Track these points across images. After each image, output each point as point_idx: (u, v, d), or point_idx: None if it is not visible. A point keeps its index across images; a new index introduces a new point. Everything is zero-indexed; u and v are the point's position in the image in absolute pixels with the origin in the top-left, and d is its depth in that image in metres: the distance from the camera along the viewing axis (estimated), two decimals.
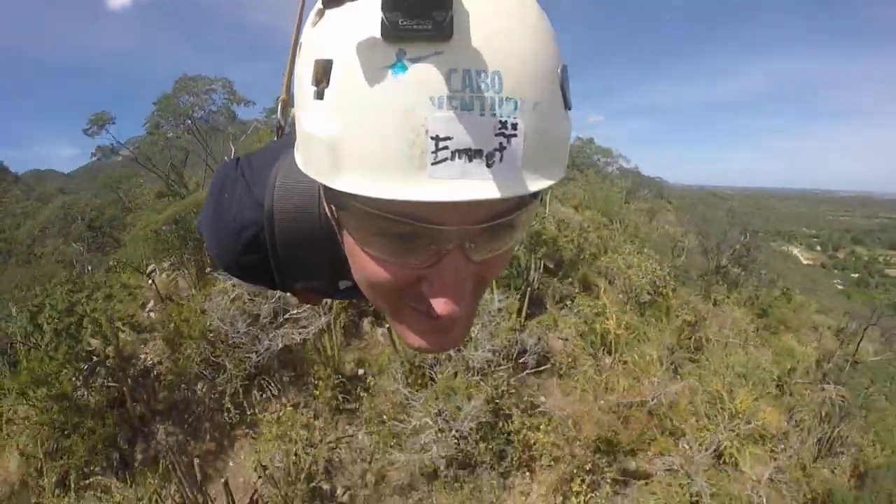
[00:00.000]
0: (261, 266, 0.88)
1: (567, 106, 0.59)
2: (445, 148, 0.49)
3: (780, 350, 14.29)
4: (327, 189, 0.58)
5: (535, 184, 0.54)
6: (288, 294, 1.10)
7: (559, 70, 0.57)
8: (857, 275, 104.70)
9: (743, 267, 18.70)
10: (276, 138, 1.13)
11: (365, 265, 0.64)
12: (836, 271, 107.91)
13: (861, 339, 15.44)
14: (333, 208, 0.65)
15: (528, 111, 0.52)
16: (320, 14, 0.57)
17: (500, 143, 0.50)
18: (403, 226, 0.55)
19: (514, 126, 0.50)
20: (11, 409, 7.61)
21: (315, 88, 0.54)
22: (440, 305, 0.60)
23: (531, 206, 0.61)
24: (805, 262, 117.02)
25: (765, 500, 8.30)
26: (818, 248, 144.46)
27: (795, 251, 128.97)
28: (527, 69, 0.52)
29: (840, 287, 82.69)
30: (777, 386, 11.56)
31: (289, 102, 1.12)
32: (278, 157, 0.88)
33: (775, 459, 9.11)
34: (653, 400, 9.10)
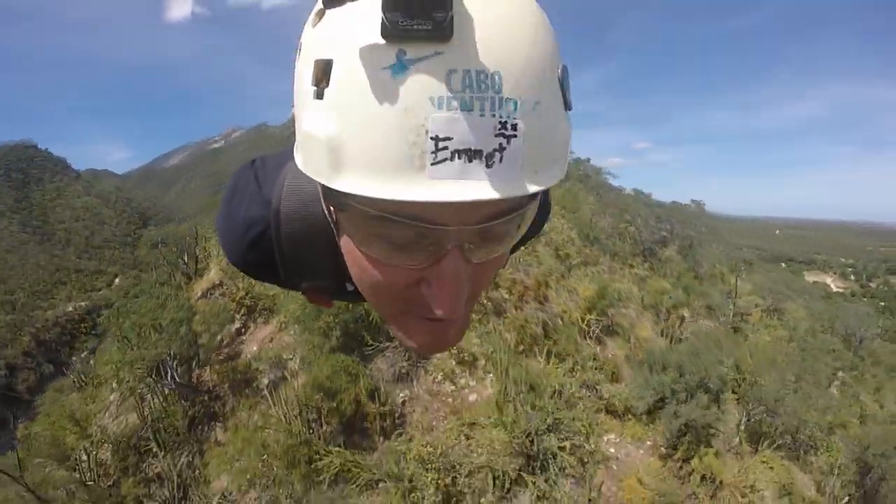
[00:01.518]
0: (267, 262, 0.93)
1: (567, 106, 0.60)
2: (445, 148, 0.50)
3: None
4: (327, 189, 0.60)
5: (535, 184, 0.56)
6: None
7: (559, 70, 0.58)
8: (883, 303, 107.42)
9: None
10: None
11: (363, 266, 0.65)
12: (864, 299, 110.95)
13: None
14: (332, 208, 0.67)
15: (528, 112, 0.52)
16: (320, 14, 0.59)
17: (500, 144, 0.51)
18: (403, 226, 0.56)
19: (514, 126, 0.51)
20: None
21: (315, 88, 0.55)
22: (440, 306, 0.62)
23: (531, 207, 0.63)
24: (835, 289, 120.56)
25: None
26: (852, 276, 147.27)
27: (829, 279, 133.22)
28: (527, 69, 0.53)
29: (863, 309, 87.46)
30: None
31: None
32: (291, 157, 0.89)
33: None
34: None
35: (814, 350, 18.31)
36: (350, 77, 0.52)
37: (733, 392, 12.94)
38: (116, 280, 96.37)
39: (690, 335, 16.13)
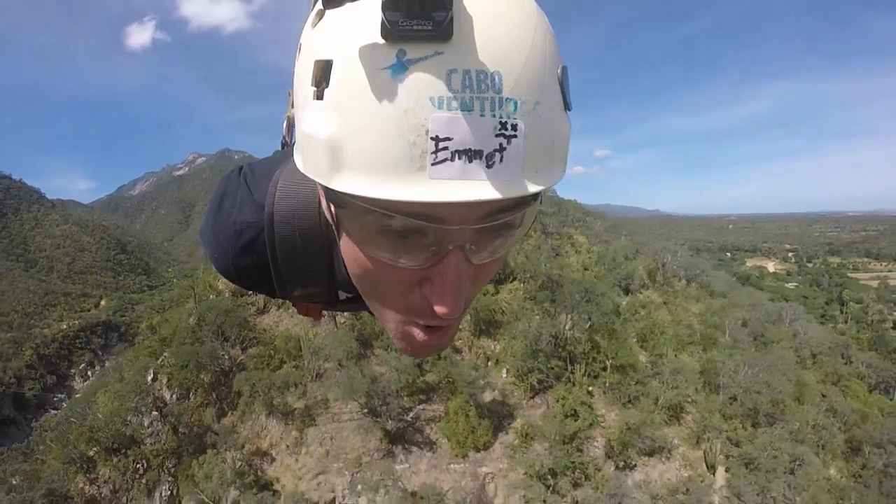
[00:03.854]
0: (259, 269, 0.93)
1: (567, 106, 0.62)
2: (445, 148, 0.51)
3: None
4: (327, 189, 0.60)
5: (536, 184, 0.57)
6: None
7: (559, 70, 0.60)
8: (811, 276, 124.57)
9: None
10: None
11: (364, 265, 0.67)
12: (800, 277, 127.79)
13: None
14: (333, 208, 0.67)
15: (528, 112, 0.54)
16: (320, 15, 0.60)
17: (501, 144, 0.52)
18: (404, 226, 0.58)
19: (514, 127, 0.53)
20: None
21: (315, 89, 0.56)
22: (442, 305, 0.64)
23: (531, 207, 0.64)
24: (773, 270, 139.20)
25: None
26: (793, 259, 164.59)
27: (770, 264, 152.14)
28: (527, 70, 0.54)
29: (790, 287, 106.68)
30: None
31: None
32: (281, 162, 0.94)
33: None
34: None
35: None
36: (350, 77, 0.53)
37: None
38: (102, 302, 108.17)
39: None
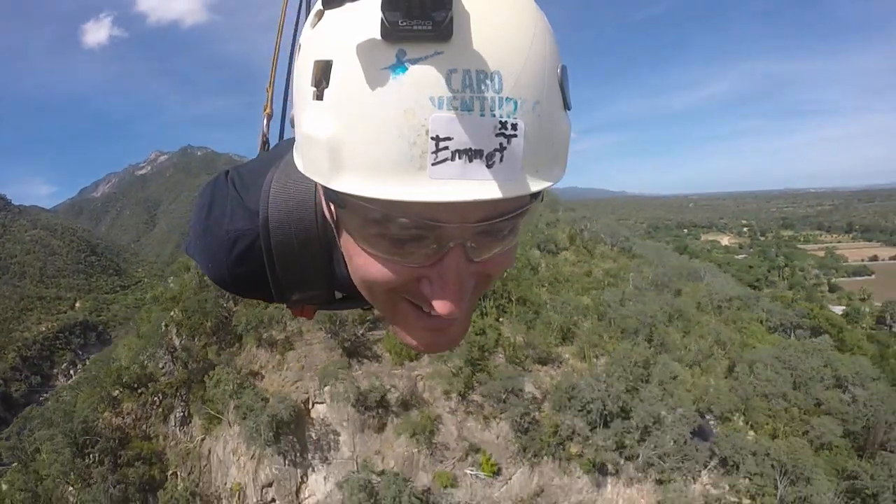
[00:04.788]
0: (256, 276, 0.92)
1: (567, 106, 0.63)
2: (446, 148, 0.52)
3: None
4: (327, 189, 0.62)
5: (536, 184, 0.58)
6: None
7: (558, 70, 0.61)
8: (761, 248, 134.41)
9: None
10: (262, 151, 1.23)
11: (365, 265, 0.67)
12: (751, 249, 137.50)
13: None
14: (333, 208, 0.69)
15: (528, 111, 0.55)
16: (320, 15, 0.61)
17: (501, 144, 0.53)
18: (404, 226, 0.59)
19: (514, 126, 0.54)
20: None
21: (315, 89, 0.58)
22: (441, 305, 0.65)
23: (532, 207, 0.65)
24: (726, 244, 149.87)
25: None
26: (746, 233, 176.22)
27: (725, 238, 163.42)
28: (526, 69, 0.55)
29: (738, 258, 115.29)
30: None
31: (272, 115, 1.28)
32: (271, 164, 0.92)
33: None
34: None
35: None
36: (350, 77, 0.54)
37: None
38: (77, 304, 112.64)
39: None
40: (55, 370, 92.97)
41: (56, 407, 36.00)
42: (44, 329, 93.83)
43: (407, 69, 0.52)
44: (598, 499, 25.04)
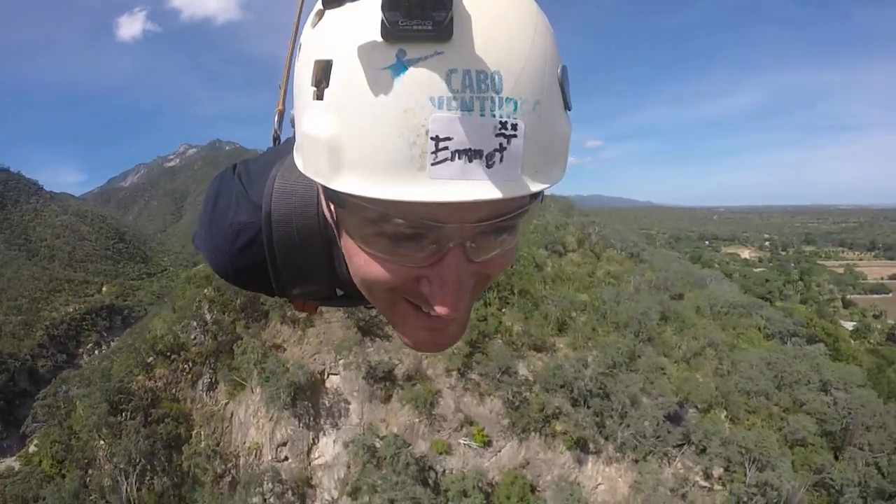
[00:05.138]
0: (257, 270, 0.94)
1: (567, 106, 0.63)
2: (445, 148, 0.52)
3: None
4: (327, 189, 0.62)
5: (535, 184, 0.59)
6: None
7: (559, 70, 0.61)
8: (780, 262, 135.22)
9: None
10: (273, 147, 1.23)
11: (364, 264, 0.68)
12: (770, 263, 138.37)
13: None
14: (333, 207, 0.69)
15: (527, 112, 0.55)
16: (320, 15, 0.61)
17: (500, 144, 0.54)
18: (404, 226, 0.59)
19: (514, 126, 0.54)
20: None
21: (315, 89, 0.58)
22: (440, 305, 0.65)
23: (531, 207, 0.65)
24: (746, 257, 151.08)
25: None
26: (768, 247, 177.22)
27: (745, 251, 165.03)
28: (526, 70, 0.55)
29: (756, 271, 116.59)
30: None
31: (284, 111, 1.30)
32: (277, 160, 0.94)
33: None
34: None
35: None
36: (350, 77, 0.55)
37: None
38: (104, 288, 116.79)
39: None
40: (80, 350, 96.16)
41: (93, 368, 39.73)
42: (71, 310, 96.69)
43: (407, 69, 0.52)
44: (580, 475, 27.84)
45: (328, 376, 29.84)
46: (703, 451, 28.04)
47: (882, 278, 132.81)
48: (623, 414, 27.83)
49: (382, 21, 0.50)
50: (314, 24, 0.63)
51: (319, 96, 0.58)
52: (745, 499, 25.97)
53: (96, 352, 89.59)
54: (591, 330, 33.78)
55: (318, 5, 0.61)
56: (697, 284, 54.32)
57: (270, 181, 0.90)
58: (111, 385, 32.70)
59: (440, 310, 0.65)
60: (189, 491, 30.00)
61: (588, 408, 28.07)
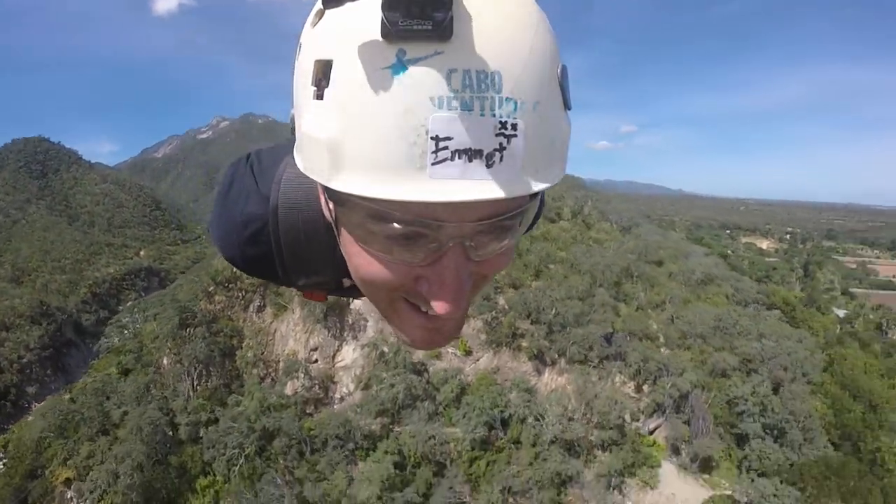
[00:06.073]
0: (265, 259, 0.97)
1: (567, 106, 0.64)
2: (445, 148, 0.53)
3: None
4: (327, 188, 0.63)
5: (535, 184, 0.59)
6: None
7: (559, 70, 0.62)
8: (794, 255, 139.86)
9: None
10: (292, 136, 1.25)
11: (363, 263, 0.69)
12: (785, 255, 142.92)
13: None
14: (333, 206, 0.70)
15: (528, 111, 0.56)
16: (320, 14, 0.62)
17: (501, 144, 0.54)
18: (403, 225, 0.60)
19: (514, 126, 0.55)
20: None
21: (315, 89, 0.59)
22: (439, 305, 0.66)
23: (531, 206, 0.67)
24: (764, 247, 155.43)
25: None
26: (788, 240, 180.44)
27: (765, 242, 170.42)
28: (527, 69, 0.56)
29: (769, 260, 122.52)
30: None
31: None
32: (287, 153, 0.93)
33: None
34: None
35: None
36: (350, 77, 0.55)
37: None
38: (142, 252, 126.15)
39: None
40: (121, 307, 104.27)
41: (164, 293, 50.05)
42: (111, 271, 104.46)
43: (407, 69, 0.52)
44: (538, 381, 37.44)
45: (353, 300, 39.79)
46: (638, 371, 37.20)
47: (893, 276, 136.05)
48: (566, 331, 37.24)
49: (382, 21, 0.51)
50: (314, 24, 0.64)
51: (319, 96, 0.59)
52: (661, 400, 35.25)
53: (136, 309, 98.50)
54: (563, 277, 42.96)
55: (319, 5, 0.63)
56: (682, 257, 61.47)
57: (279, 174, 0.94)
58: (182, 304, 43.04)
59: (439, 309, 0.67)
60: (238, 388, 40.13)
61: (543, 324, 37.58)
